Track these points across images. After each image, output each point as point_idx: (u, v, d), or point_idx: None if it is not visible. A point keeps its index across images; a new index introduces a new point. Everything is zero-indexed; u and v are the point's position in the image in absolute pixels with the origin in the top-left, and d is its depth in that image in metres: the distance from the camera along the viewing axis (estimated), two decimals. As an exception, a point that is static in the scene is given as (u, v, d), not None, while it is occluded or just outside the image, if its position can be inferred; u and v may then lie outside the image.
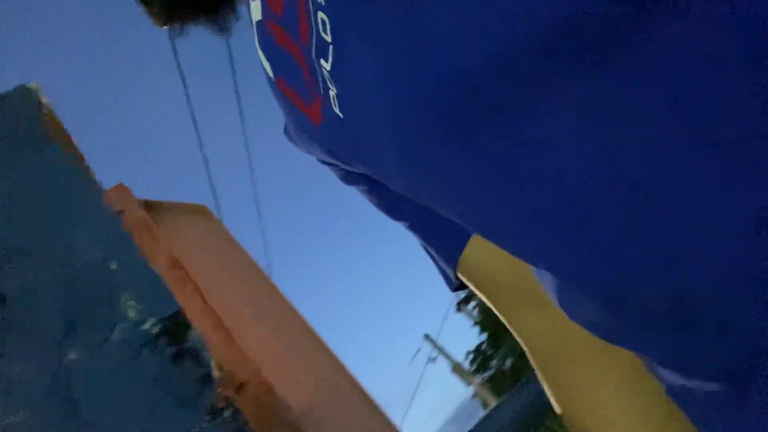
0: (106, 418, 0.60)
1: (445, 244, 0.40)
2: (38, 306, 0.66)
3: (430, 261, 0.45)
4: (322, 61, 0.31)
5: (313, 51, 0.31)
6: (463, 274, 0.41)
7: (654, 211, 0.22)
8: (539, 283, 0.35)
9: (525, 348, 0.41)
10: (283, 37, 0.35)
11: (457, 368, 15.92)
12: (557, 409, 0.40)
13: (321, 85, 0.32)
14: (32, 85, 0.91)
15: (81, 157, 0.88)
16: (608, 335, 0.30)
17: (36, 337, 0.62)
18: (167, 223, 1.08)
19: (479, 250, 0.39)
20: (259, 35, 0.38)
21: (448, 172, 0.28)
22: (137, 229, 1.03)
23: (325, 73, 0.31)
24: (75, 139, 1.01)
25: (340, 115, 0.32)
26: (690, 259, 0.22)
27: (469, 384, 15.97)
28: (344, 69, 0.29)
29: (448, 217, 0.34)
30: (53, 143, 0.82)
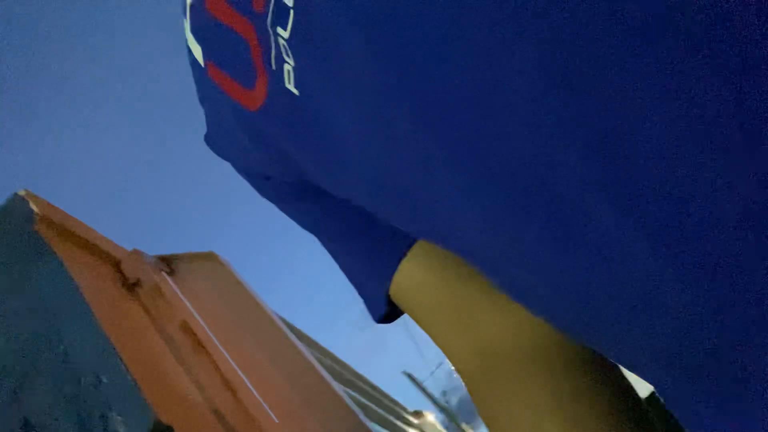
0: None
1: (379, 261, 0.38)
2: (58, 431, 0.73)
3: None
4: (279, 29, 0.28)
5: (269, 19, 0.29)
6: (394, 296, 0.38)
7: None
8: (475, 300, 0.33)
9: (458, 374, 0.38)
10: (225, 11, 0.33)
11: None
12: None
13: (274, 59, 0.30)
14: (21, 192, 0.94)
15: (80, 262, 0.93)
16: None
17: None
18: (182, 275, 1.13)
19: (413, 268, 0.37)
20: (192, 18, 0.36)
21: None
22: (152, 296, 1.09)
23: (282, 43, 0.29)
24: (79, 219, 1.07)
25: (295, 91, 0.29)
26: None
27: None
28: (305, 37, 0.27)
29: (395, 224, 0.32)
30: (44, 253, 0.87)
